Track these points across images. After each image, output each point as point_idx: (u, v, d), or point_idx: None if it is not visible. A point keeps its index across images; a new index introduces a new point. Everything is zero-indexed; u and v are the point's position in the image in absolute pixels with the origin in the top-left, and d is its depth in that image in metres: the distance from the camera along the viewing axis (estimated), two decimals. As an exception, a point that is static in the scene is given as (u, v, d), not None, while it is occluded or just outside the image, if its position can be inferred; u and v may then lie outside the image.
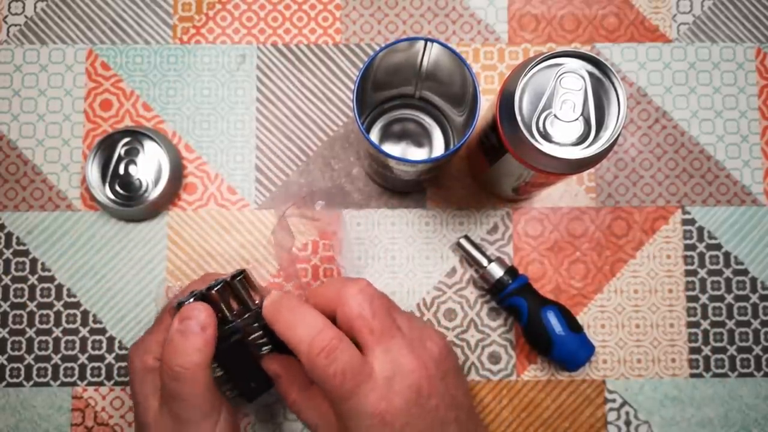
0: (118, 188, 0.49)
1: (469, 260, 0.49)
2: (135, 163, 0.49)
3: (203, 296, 0.38)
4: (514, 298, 0.47)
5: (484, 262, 0.48)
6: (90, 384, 0.49)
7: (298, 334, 0.36)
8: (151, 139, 0.49)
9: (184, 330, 0.36)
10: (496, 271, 0.47)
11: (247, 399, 0.42)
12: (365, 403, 0.35)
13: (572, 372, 0.49)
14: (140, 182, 0.49)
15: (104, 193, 0.48)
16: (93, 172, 0.49)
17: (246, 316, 0.39)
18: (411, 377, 0.36)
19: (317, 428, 0.38)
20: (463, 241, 0.48)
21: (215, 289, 0.38)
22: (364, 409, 0.35)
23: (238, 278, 0.39)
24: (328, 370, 0.35)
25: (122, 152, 0.49)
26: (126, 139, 0.49)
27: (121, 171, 0.49)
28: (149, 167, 0.49)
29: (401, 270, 0.50)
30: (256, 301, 0.39)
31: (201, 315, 0.37)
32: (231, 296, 0.39)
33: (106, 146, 0.49)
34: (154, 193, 0.48)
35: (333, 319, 0.37)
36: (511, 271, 0.47)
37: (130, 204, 0.48)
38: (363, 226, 0.50)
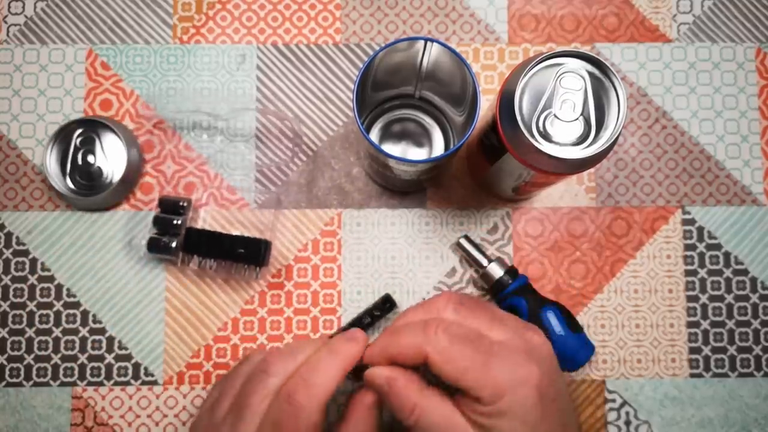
0: (79, 178, 0.49)
1: (468, 260, 0.49)
2: (93, 153, 0.49)
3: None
4: (513, 298, 0.47)
5: (484, 262, 0.48)
6: (90, 384, 0.49)
7: (397, 349, 0.38)
8: (108, 128, 0.49)
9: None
10: (496, 271, 0.47)
11: None
12: (514, 369, 0.35)
13: (572, 372, 0.49)
14: (100, 171, 0.49)
15: (63, 183, 0.49)
16: (51, 163, 0.49)
17: None
18: (547, 352, 0.37)
19: (446, 429, 0.36)
20: (463, 241, 0.48)
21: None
22: (518, 375, 0.35)
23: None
24: (448, 355, 0.36)
25: (78, 142, 0.49)
26: (80, 130, 0.49)
27: (80, 161, 0.49)
28: (107, 156, 0.49)
29: (401, 270, 0.50)
30: None
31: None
32: None
33: (62, 137, 0.49)
34: (113, 182, 0.48)
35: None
36: (511, 271, 0.47)
37: (92, 193, 0.48)
38: (363, 226, 0.50)
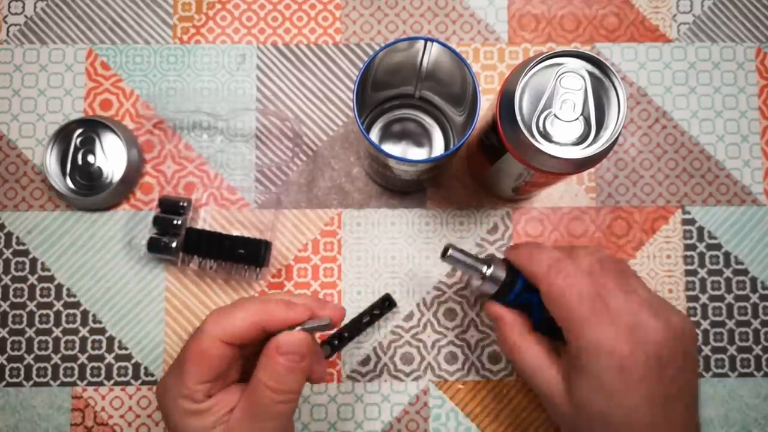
0: (79, 178, 0.49)
1: (464, 270, 0.43)
2: (93, 153, 0.49)
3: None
4: (523, 296, 0.42)
5: (483, 267, 0.42)
6: (90, 384, 0.49)
7: (538, 262, 0.39)
8: (108, 128, 0.49)
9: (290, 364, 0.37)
10: (500, 273, 0.42)
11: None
12: (605, 338, 0.36)
13: None
14: (100, 171, 0.49)
15: (63, 183, 0.49)
16: (51, 163, 0.49)
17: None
18: (655, 337, 0.36)
19: (534, 372, 0.39)
20: (454, 253, 0.42)
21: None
22: (605, 345, 0.36)
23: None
24: (565, 291, 0.37)
25: (78, 142, 0.49)
26: (80, 130, 0.49)
27: (80, 161, 0.49)
28: (107, 156, 0.49)
29: (401, 270, 0.50)
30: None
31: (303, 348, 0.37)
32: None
33: (62, 137, 0.49)
34: (113, 182, 0.48)
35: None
36: (509, 266, 0.43)
37: (92, 193, 0.48)
38: (363, 226, 0.50)
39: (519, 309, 0.43)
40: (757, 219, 0.51)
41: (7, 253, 0.50)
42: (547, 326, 0.42)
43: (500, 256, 0.44)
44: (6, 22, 0.52)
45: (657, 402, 0.36)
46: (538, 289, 0.39)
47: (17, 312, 0.49)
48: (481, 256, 0.44)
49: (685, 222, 0.51)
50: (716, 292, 0.50)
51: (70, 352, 0.49)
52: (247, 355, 0.39)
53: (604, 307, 0.37)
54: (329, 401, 0.49)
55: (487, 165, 0.43)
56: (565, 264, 0.38)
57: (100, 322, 0.49)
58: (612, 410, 0.36)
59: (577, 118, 0.36)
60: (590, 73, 0.36)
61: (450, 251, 0.42)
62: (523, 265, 0.40)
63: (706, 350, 0.50)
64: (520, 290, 0.42)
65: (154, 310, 0.49)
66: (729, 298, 0.50)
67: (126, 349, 0.49)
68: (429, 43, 0.39)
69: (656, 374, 0.36)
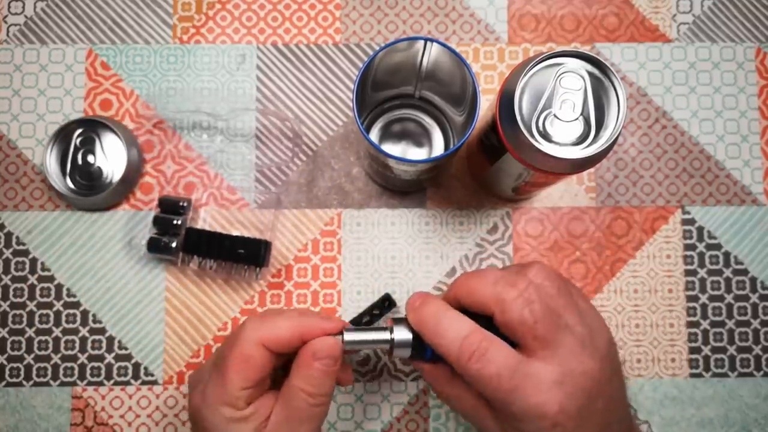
0: (79, 178, 0.49)
1: (369, 346, 0.40)
2: (93, 153, 0.49)
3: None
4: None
5: (386, 334, 0.39)
6: (90, 384, 0.49)
7: (446, 341, 0.36)
8: (108, 128, 0.49)
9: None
10: (405, 334, 0.39)
11: None
12: (532, 405, 0.34)
13: None
14: (100, 171, 0.49)
15: (63, 183, 0.49)
16: (51, 163, 0.49)
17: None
18: (581, 380, 0.35)
19: (472, 419, 0.39)
20: (350, 335, 0.38)
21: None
22: (535, 411, 0.34)
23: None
24: (482, 374, 0.35)
25: (78, 142, 0.49)
26: (80, 130, 0.49)
27: (80, 161, 0.49)
28: (107, 156, 0.49)
29: (401, 270, 0.50)
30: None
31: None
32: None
33: (62, 137, 0.49)
34: (113, 182, 0.49)
35: (487, 316, 0.37)
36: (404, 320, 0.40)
37: (92, 193, 0.48)
38: (363, 226, 0.50)
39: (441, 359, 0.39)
40: (757, 219, 0.51)
41: (7, 253, 0.50)
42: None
43: (401, 315, 0.42)
44: (6, 22, 0.52)
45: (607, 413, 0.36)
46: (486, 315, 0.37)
47: (17, 312, 0.49)
48: (382, 324, 0.42)
49: (685, 222, 0.51)
50: (716, 292, 0.50)
51: (70, 352, 0.49)
52: (279, 364, 0.39)
53: (560, 329, 0.36)
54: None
55: (487, 165, 0.43)
56: (517, 296, 0.36)
57: (100, 322, 0.49)
58: None
59: (577, 118, 0.36)
60: (590, 73, 0.36)
61: (345, 335, 0.38)
62: (464, 293, 0.38)
63: (706, 350, 0.50)
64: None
65: (154, 310, 0.49)
66: (729, 298, 0.50)
67: (126, 349, 0.49)
68: (429, 43, 0.39)
69: (587, 414, 0.35)
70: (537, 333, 0.35)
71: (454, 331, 0.36)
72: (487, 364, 0.35)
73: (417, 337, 0.39)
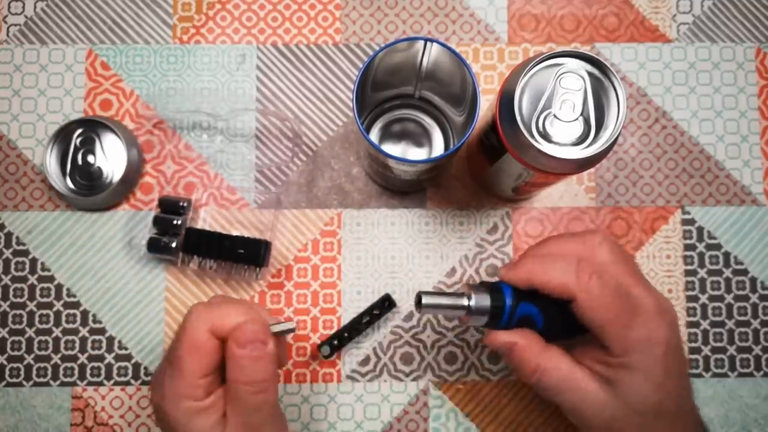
0: (79, 178, 0.49)
1: (445, 313, 0.39)
2: (93, 153, 0.49)
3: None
4: (520, 310, 0.39)
5: (464, 301, 0.39)
6: (90, 384, 0.49)
7: (557, 273, 0.37)
8: (108, 128, 0.49)
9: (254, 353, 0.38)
10: (484, 301, 0.39)
11: None
12: (648, 331, 0.36)
13: None
14: (100, 171, 0.49)
15: (63, 183, 0.49)
16: (51, 163, 0.49)
17: None
18: (673, 317, 0.38)
19: (566, 388, 0.37)
20: (428, 299, 0.38)
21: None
22: (652, 338, 0.36)
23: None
24: (601, 294, 0.36)
25: (78, 142, 0.49)
26: (80, 130, 0.49)
27: (80, 161, 0.49)
28: (107, 156, 0.49)
29: (401, 270, 0.50)
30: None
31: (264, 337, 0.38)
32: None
33: (62, 137, 0.49)
34: (113, 182, 0.49)
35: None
36: (490, 287, 0.40)
37: (92, 193, 0.48)
38: (363, 226, 0.50)
39: (519, 326, 0.39)
40: (756, 219, 0.51)
41: (7, 253, 0.50)
42: (553, 331, 0.40)
43: (478, 279, 0.42)
44: (6, 22, 0.52)
45: (687, 380, 0.39)
46: (564, 299, 0.37)
47: (17, 312, 0.49)
48: (458, 291, 0.40)
49: (684, 222, 0.51)
50: (716, 292, 0.50)
51: (70, 352, 0.49)
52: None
53: (629, 299, 0.37)
54: (329, 401, 0.49)
55: (487, 165, 0.43)
56: (587, 264, 0.37)
57: (100, 322, 0.49)
58: (664, 400, 0.37)
59: (577, 119, 0.36)
60: (590, 74, 0.36)
61: (423, 299, 0.38)
62: (539, 281, 0.37)
63: (706, 350, 0.50)
64: (511, 308, 0.39)
65: (154, 310, 0.49)
66: (729, 298, 0.50)
67: (126, 349, 0.49)
68: (429, 44, 0.39)
69: (680, 353, 0.38)
70: (605, 333, 0.37)
71: (562, 264, 0.37)
72: (605, 283, 0.36)
73: (495, 304, 0.38)
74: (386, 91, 0.47)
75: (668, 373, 0.37)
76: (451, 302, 0.38)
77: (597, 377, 0.37)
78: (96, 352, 0.49)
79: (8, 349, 0.49)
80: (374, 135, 0.49)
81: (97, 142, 0.49)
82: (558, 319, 0.39)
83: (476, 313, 0.38)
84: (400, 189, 0.51)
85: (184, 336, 0.37)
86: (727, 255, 0.50)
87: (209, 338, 0.37)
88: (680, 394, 0.38)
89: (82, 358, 0.49)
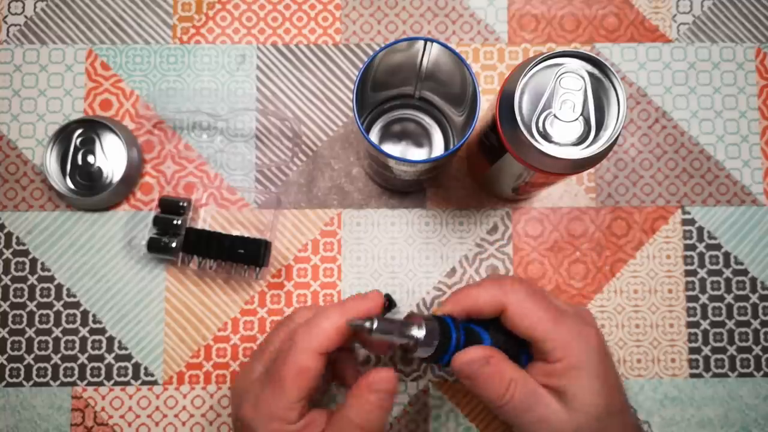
0: (79, 178, 0.49)
1: (392, 340, 0.37)
2: (93, 153, 0.49)
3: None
4: (469, 333, 0.39)
5: (414, 330, 0.37)
6: (90, 384, 0.49)
7: (486, 290, 0.39)
8: (108, 128, 0.49)
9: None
10: (433, 326, 0.38)
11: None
12: (585, 335, 0.39)
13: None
14: (100, 171, 0.49)
15: (63, 183, 0.49)
16: (51, 163, 0.49)
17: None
18: (595, 325, 0.41)
19: (534, 403, 0.37)
20: (377, 324, 0.36)
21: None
22: (590, 341, 0.39)
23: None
24: (536, 308, 0.38)
25: (78, 142, 0.49)
26: (80, 130, 0.49)
27: (80, 161, 0.49)
28: (107, 156, 0.49)
29: (401, 270, 0.50)
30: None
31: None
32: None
33: (62, 137, 0.49)
34: (113, 182, 0.49)
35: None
36: (433, 318, 0.39)
37: (92, 193, 0.48)
38: (363, 226, 0.50)
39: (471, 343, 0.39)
40: (756, 219, 0.51)
41: (7, 253, 0.50)
42: (498, 346, 0.40)
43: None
44: (6, 22, 0.52)
45: (616, 375, 0.41)
46: (497, 315, 0.39)
47: (17, 312, 0.49)
48: (404, 321, 0.39)
49: (684, 222, 0.51)
50: (716, 292, 0.50)
51: (70, 352, 0.49)
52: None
53: (558, 307, 0.40)
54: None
55: (487, 165, 0.43)
56: (504, 287, 0.39)
57: (100, 322, 0.49)
58: (612, 397, 0.38)
59: (577, 119, 0.36)
60: (590, 74, 0.36)
61: (374, 324, 0.36)
62: (471, 303, 0.39)
63: (706, 350, 0.50)
64: (457, 330, 0.39)
65: (154, 310, 0.49)
66: (729, 298, 0.50)
67: (126, 349, 0.49)
68: (429, 44, 0.39)
69: (609, 351, 0.41)
70: (539, 334, 0.38)
71: (487, 285, 0.40)
72: (534, 299, 0.39)
73: (442, 340, 0.38)
74: (386, 91, 0.47)
75: (606, 367, 0.39)
76: (398, 330, 0.37)
77: (551, 392, 0.38)
78: (96, 352, 0.49)
79: (8, 349, 0.49)
80: (374, 135, 0.49)
81: (97, 142, 0.49)
82: (500, 333, 0.40)
83: (427, 339, 0.37)
84: (400, 189, 0.51)
85: (289, 358, 0.37)
86: (727, 255, 0.50)
87: (316, 359, 0.37)
88: (620, 389, 0.40)
89: (82, 359, 0.49)
